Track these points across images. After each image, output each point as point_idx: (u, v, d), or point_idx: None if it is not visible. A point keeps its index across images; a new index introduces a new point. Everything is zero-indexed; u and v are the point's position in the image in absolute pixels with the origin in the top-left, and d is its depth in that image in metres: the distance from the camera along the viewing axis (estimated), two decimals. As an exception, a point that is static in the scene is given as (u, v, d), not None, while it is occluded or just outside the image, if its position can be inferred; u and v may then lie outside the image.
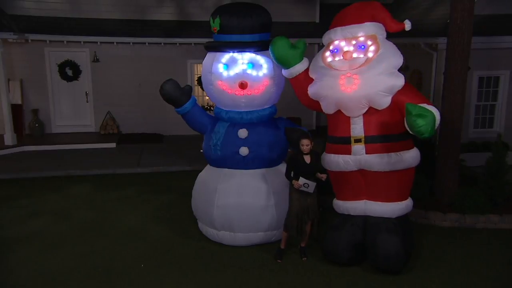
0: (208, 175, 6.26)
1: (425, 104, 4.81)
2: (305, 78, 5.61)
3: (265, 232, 6.01)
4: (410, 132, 4.90)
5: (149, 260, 5.76)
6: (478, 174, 7.46)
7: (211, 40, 6.04)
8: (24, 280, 5.29)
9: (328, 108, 5.44)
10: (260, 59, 5.81)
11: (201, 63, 6.44)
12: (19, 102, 11.67)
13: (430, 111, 4.64)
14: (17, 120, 11.40)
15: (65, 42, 11.39)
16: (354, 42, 5.25)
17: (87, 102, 12.37)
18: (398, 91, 5.10)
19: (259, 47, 5.78)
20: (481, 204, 6.73)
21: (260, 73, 5.81)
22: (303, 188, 5.36)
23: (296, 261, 5.70)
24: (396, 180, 5.36)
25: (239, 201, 5.85)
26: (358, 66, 5.13)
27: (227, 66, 5.81)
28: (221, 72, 5.83)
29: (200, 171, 6.57)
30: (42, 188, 8.53)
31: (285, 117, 6.74)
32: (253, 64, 5.79)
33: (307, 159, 5.43)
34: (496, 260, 5.77)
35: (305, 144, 5.37)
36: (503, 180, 6.95)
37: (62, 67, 12.02)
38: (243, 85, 5.73)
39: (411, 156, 5.34)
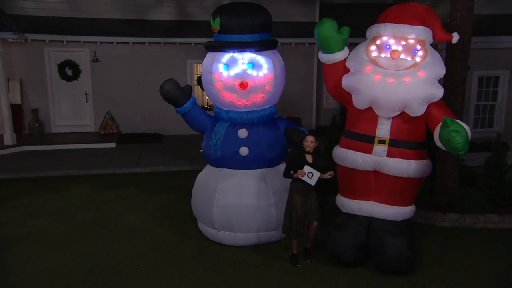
0: (208, 175, 6.26)
1: (459, 121, 4.69)
2: (343, 68, 5.38)
3: (265, 232, 6.01)
4: (441, 146, 4.78)
5: (149, 260, 5.76)
6: (478, 174, 7.45)
7: (211, 39, 6.03)
8: (24, 280, 5.28)
9: (360, 103, 5.23)
10: (260, 59, 5.81)
11: (201, 63, 6.43)
12: (19, 102, 11.65)
13: (464, 128, 4.53)
14: (16, 120, 11.38)
15: (64, 42, 11.39)
16: (403, 42, 5.08)
17: (86, 102, 12.36)
18: (433, 102, 5.00)
19: (260, 47, 5.78)
20: (480, 204, 6.74)
21: (261, 73, 5.81)
22: (305, 178, 5.24)
23: (296, 261, 5.71)
24: (408, 186, 5.32)
25: (239, 201, 5.85)
26: (404, 68, 5.01)
27: (227, 66, 5.80)
28: (221, 72, 5.83)
29: (200, 171, 6.57)
30: (41, 188, 8.52)
31: (285, 117, 6.74)
32: (253, 64, 5.79)
33: (309, 158, 5.36)
34: (496, 260, 5.78)
35: (310, 141, 5.29)
36: (502, 180, 6.95)
37: (61, 67, 12.00)
38: (243, 85, 5.73)
39: (427, 165, 5.32)
